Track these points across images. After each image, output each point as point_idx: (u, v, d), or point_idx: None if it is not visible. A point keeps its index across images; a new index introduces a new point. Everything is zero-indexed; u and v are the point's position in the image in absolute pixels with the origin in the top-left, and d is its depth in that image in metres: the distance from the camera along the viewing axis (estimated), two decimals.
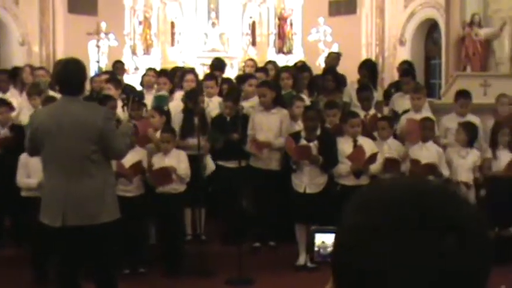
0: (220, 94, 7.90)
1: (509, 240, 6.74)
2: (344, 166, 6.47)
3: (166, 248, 6.58)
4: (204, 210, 7.16)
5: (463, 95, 7.47)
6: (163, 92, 7.82)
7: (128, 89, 8.56)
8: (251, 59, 10.11)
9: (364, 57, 15.62)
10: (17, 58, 15.78)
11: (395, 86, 8.25)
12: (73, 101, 4.53)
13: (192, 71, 8.82)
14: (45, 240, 5.04)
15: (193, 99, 7.02)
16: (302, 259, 6.52)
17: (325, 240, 1.67)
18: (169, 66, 13.92)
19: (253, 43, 16.58)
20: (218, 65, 9.07)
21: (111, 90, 7.54)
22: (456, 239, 0.91)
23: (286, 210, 6.68)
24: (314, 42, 16.48)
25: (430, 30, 16.29)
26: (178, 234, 6.68)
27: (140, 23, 17.06)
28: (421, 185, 0.98)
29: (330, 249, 1.53)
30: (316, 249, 1.66)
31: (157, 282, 6.35)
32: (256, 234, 7.03)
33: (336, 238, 1.00)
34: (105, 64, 16.34)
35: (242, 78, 8.46)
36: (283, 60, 15.35)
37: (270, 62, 9.79)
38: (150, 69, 9.15)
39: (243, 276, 6.21)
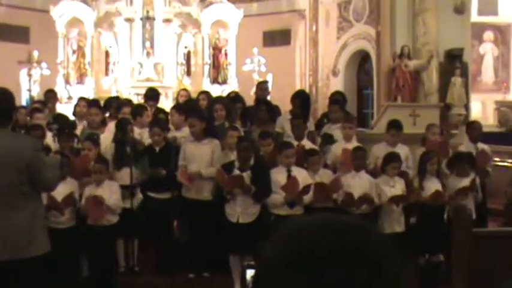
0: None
1: (438, 267, 6.88)
2: (278, 196, 6.50)
3: (98, 280, 6.45)
4: (136, 241, 7.10)
5: (394, 125, 7.65)
6: (96, 132, 7.70)
7: (60, 119, 8.43)
8: (184, 89, 10.14)
9: (298, 87, 15.88)
10: None
11: (327, 116, 8.37)
12: (0, 131, 4.43)
13: (128, 103, 8.79)
14: None
15: (122, 128, 7.01)
16: None
17: None
18: (103, 95, 13.81)
19: (188, 73, 16.62)
20: (152, 95, 9.05)
21: (45, 120, 7.45)
22: (367, 272, 0.94)
23: (220, 240, 6.66)
24: (249, 73, 16.65)
25: (362, 61, 16.70)
26: (111, 266, 6.57)
27: (74, 51, 16.88)
28: (334, 221, 1.02)
29: None
30: (247, 283, 1.69)
31: None
32: (189, 265, 6.98)
33: (254, 273, 1.03)
34: (37, 93, 16.05)
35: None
36: (218, 90, 15.43)
37: (203, 92, 9.83)
38: (81, 98, 9.05)
39: None
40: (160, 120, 7.72)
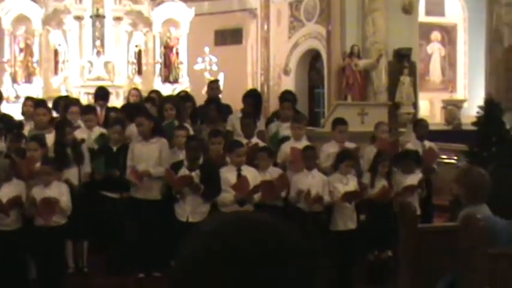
0: (105, 123, 7.84)
1: (387, 262, 7.00)
2: (228, 195, 6.51)
3: (46, 282, 6.35)
4: (86, 242, 7.03)
5: (339, 121, 7.75)
6: (43, 132, 7.57)
7: (5, 119, 8.27)
8: (135, 89, 10.05)
9: (249, 86, 15.92)
10: None
11: (277, 115, 8.40)
12: None
13: (76, 102, 8.68)
14: None
15: (61, 130, 6.95)
16: None
17: None
18: (52, 95, 13.58)
19: (139, 72, 16.49)
20: (101, 94, 8.96)
21: None
22: (279, 269, 0.98)
23: (170, 239, 6.64)
24: (200, 71, 16.61)
25: (313, 60, 16.83)
26: (59, 268, 6.48)
27: (21, 50, 16.56)
28: (250, 221, 1.06)
29: None
30: None
31: None
32: (140, 265, 6.94)
33: (173, 269, 1.07)
34: None
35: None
36: (169, 89, 15.35)
37: (153, 91, 9.76)
38: (28, 98, 8.86)
39: None
40: (119, 119, 7.66)
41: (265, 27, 17.33)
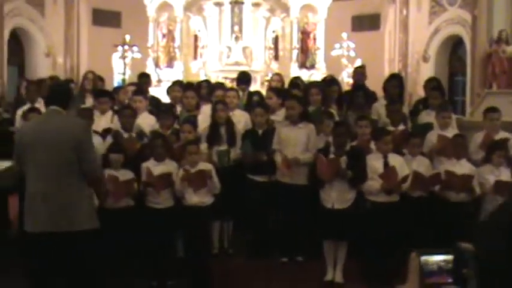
0: (248, 107, 7.92)
1: None
2: (375, 183, 6.38)
3: (194, 261, 6.50)
4: (231, 223, 7.16)
5: (491, 109, 7.40)
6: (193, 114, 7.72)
7: (154, 102, 8.56)
8: (277, 74, 10.03)
9: (387, 72, 15.62)
10: (42, 69, 15.92)
11: (423, 103, 8.13)
12: (57, 115, 4.66)
13: (221, 85, 8.85)
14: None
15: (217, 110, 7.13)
16: (330, 275, 6.45)
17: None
18: (192, 79, 13.98)
19: (276, 57, 16.61)
20: (244, 78, 9.06)
21: (141, 102, 7.58)
22: None
23: (314, 225, 6.61)
24: (337, 57, 16.49)
25: (454, 46, 16.24)
26: (205, 248, 6.61)
27: (164, 35, 17.17)
28: None
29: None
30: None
31: None
32: (283, 249, 6.97)
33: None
34: (129, 75, 16.46)
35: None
36: (306, 75, 15.36)
37: (297, 77, 9.70)
38: (175, 83, 9.07)
39: None
40: (261, 102, 7.73)
41: (404, 12, 16.90)
